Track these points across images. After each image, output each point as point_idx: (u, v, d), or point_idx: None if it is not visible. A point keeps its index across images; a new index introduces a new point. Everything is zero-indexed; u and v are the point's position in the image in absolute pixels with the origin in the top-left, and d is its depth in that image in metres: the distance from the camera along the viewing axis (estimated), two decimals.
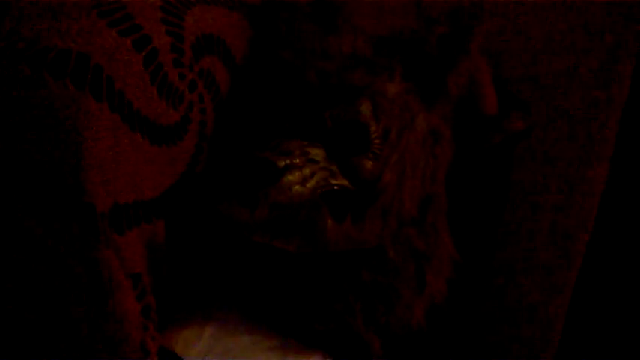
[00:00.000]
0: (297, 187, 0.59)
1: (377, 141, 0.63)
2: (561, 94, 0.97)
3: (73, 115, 0.47)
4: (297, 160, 0.60)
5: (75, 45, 0.48)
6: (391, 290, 0.64)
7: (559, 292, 1.08)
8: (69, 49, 0.47)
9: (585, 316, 1.13)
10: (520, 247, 1.06)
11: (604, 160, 1.00)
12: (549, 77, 0.95)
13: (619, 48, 0.93)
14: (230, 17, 0.66)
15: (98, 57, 0.49)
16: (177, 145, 0.58)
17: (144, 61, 0.53)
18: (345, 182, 0.62)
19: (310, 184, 0.60)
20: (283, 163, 0.59)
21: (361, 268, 0.64)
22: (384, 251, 0.64)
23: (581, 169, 1.01)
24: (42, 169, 0.47)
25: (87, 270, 0.50)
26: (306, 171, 0.60)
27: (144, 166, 0.54)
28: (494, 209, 0.88)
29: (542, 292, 1.08)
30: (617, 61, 0.94)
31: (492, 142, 0.75)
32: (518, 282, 1.08)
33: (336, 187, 0.61)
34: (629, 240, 1.10)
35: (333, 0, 0.69)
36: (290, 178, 0.59)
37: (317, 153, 0.62)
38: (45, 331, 0.52)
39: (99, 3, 0.52)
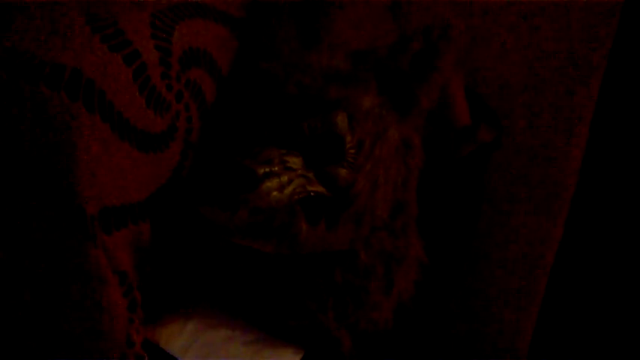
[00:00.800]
0: (275, 193, 0.63)
1: (351, 151, 0.68)
2: (534, 105, 1.01)
3: (66, 124, 0.51)
4: (276, 168, 0.64)
5: (69, 60, 0.52)
6: (361, 290, 0.69)
7: (529, 295, 1.13)
8: (63, 64, 0.51)
9: (556, 320, 1.18)
10: (492, 250, 1.10)
11: (573, 167, 1.04)
12: (522, 89, 0.99)
13: (588, 58, 0.97)
14: (217, 30, 0.70)
15: (90, 71, 0.53)
16: (164, 151, 0.62)
17: (133, 74, 0.57)
18: (320, 189, 0.66)
19: (288, 190, 0.64)
20: (263, 170, 0.63)
21: (334, 269, 0.68)
22: (355, 253, 0.69)
23: (551, 174, 1.05)
24: (38, 173, 0.51)
25: (78, 267, 0.54)
26: (284, 178, 0.64)
27: (132, 171, 0.58)
28: (468, 215, 0.92)
29: (513, 295, 1.13)
30: (586, 71, 0.98)
31: (463, 152, 0.79)
32: (489, 283, 1.12)
33: (312, 194, 0.65)
34: (598, 243, 1.15)
35: (317, 14, 0.73)
36: (269, 184, 0.63)
37: (295, 161, 0.66)
38: (39, 321, 0.56)
39: (92, 19, 0.55)
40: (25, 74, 0.50)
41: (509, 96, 0.98)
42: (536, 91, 0.98)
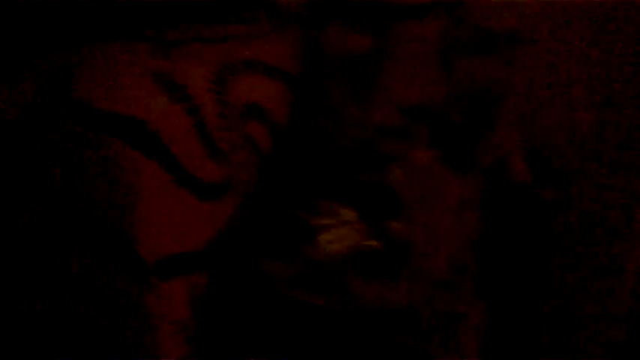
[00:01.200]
0: (330, 245, 0.63)
1: (407, 206, 0.67)
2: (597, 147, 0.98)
3: (130, 174, 0.53)
4: (332, 221, 0.64)
5: (133, 112, 0.55)
6: (424, 353, 0.66)
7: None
8: (128, 115, 0.54)
9: None
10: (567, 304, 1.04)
11: None
12: (584, 135, 0.96)
13: None
14: (273, 86, 0.72)
15: (155, 123, 0.56)
16: (222, 201, 0.63)
17: (193, 126, 0.59)
18: (375, 243, 0.65)
19: (343, 243, 0.63)
20: (318, 222, 0.63)
21: (393, 330, 0.66)
22: (416, 313, 0.66)
23: (625, 217, 1.00)
24: (101, 219, 0.53)
25: (132, 314, 0.54)
26: (340, 231, 0.64)
27: (190, 221, 0.59)
28: (530, 277, 0.88)
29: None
30: None
31: (522, 211, 0.77)
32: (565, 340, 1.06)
33: (366, 248, 0.64)
34: None
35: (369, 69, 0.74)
36: (324, 237, 0.63)
37: (350, 214, 0.66)
38: None
39: (155, 72, 0.59)
40: (93, 127, 0.53)
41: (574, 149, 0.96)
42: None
